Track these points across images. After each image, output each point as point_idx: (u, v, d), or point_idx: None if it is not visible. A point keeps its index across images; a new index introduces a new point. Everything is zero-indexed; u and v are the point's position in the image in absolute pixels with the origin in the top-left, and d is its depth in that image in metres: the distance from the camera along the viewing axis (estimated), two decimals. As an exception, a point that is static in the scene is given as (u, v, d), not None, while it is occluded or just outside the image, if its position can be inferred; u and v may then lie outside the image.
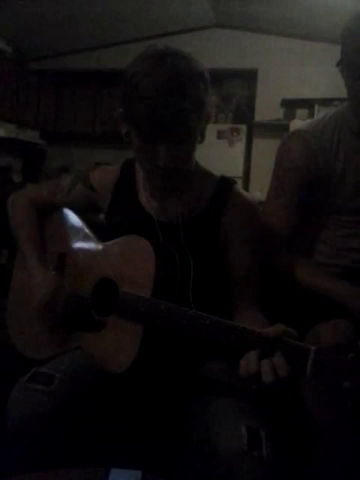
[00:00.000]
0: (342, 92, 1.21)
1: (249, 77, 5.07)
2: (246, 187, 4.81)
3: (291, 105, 4.68)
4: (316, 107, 4.49)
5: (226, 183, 1.12)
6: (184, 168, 1.03)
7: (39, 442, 0.91)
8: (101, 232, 1.19)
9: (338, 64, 1.16)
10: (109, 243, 1.09)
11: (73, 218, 1.24)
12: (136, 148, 1.00)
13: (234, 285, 1.09)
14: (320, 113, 4.29)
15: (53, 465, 0.90)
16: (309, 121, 1.35)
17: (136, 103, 0.92)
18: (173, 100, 0.89)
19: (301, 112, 4.58)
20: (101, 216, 1.24)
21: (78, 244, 1.18)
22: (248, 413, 0.92)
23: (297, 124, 4.18)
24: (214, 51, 4.69)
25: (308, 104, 4.56)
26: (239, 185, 1.14)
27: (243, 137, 4.84)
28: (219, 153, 4.34)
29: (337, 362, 0.72)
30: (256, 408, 0.95)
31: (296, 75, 4.69)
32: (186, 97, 0.91)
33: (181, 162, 1.00)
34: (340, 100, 3.79)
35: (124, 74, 0.96)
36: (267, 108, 4.83)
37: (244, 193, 1.13)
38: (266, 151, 4.20)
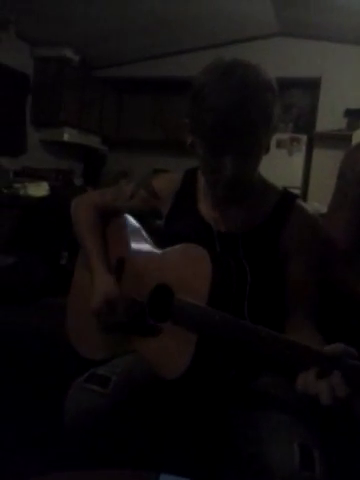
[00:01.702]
0: None
1: (311, 86, 4.98)
2: (304, 198, 4.71)
3: (355, 115, 4.53)
4: (381, 117, 4.34)
5: (289, 196, 1.10)
6: (248, 179, 1.02)
7: (92, 441, 0.94)
8: (159, 238, 1.21)
9: None
10: (167, 250, 1.11)
11: (133, 223, 1.27)
12: (201, 159, 1.01)
13: (291, 300, 1.07)
14: (385, 124, 4.19)
15: (104, 465, 0.92)
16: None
17: (204, 113, 0.92)
18: (242, 111, 0.89)
19: (365, 122, 4.44)
20: (159, 222, 1.26)
21: (136, 249, 1.20)
22: (301, 431, 0.90)
23: (360, 135, 4.06)
24: (277, 59, 4.63)
25: (372, 114, 4.41)
26: (300, 197, 1.13)
27: (303, 147, 4.76)
28: (278, 162, 4.29)
29: None
30: (309, 426, 0.92)
31: (360, 84, 4.55)
32: (255, 108, 0.90)
33: (246, 174, 1.00)
34: None
35: (192, 85, 0.97)
36: (329, 118, 4.71)
37: (307, 207, 1.11)
38: (327, 162, 4.10)
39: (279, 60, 4.68)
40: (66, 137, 4.72)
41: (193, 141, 1.02)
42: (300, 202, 1.11)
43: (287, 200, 1.10)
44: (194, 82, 0.96)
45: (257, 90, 0.91)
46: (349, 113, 4.60)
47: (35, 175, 4.26)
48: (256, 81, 0.92)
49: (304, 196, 4.79)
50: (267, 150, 1.03)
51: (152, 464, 1.02)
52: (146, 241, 1.21)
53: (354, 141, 4.06)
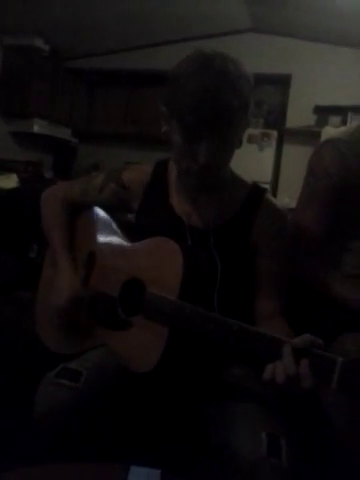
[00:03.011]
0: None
1: (282, 82, 5.04)
2: (274, 193, 4.78)
3: (324, 112, 4.62)
4: (349, 114, 4.42)
5: (258, 191, 1.12)
6: (221, 169, 1.04)
7: (62, 435, 0.94)
8: (130, 231, 1.20)
9: None
10: (138, 244, 1.11)
11: (103, 217, 1.26)
12: (176, 146, 1.01)
13: (260, 292, 1.10)
14: (353, 120, 4.28)
15: (75, 458, 0.92)
16: (342, 130, 1.34)
17: (183, 98, 0.94)
18: (220, 97, 0.91)
19: (334, 119, 4.52)
20: (130, 216, 1.25)
21: (107, 243, 1.19)
22: (268, 420, 0.92)
23: (329, 131, 4.13)
24: (248, 55, 4.60)
25: (341, 111, 4.49)
26: (268, 191, 1.15)
27: (273, 142, 4.81)
28: (249, 157, 4.32)
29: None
30: (276, 415, 0.95)
31: (330, 82, 4.62)
32: (233, 95, 0.93)
33: (219, 162, 1.01)
34: (374, 109, 3.76)
35: (170, 74, 0.98)
36: (299, 114, 4.78)
37: (276, 202, 1.13)
38: (296, 158, 4.17)
39: (250, 56, 4.67)
40: (36, 128, 4.63)
41: (168, 129, 1.03)
42: (269, 196, 1.13)
43: (256, 194, 1.11)
44: (173, 70, 0.98)
45: (236, 79, 0.93)
46: (318, 110, 4.68)
47: (4, 167, 4.17)
48: (235, 71, 0.94)
49: (274, 191, 4.85)
50: (240, 144, 1.05)
51: (123, 457, 1.03)
52: (117, 234, 1.21)
53: (323, 137, 4.12)
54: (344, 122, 4.44)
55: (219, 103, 0.92)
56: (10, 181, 3.72)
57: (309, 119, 4.72)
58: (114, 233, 1.21)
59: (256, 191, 1.12)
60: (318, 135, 4.19)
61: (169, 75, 0.99)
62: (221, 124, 0.94)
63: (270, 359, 0.81)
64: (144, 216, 1.18)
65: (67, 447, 0.96)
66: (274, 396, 1.00)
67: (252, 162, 4.41)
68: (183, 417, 1.06)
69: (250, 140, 4.69)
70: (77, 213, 1.27)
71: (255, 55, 4.75)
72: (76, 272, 1.16)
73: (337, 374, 0.73)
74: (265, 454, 0.84)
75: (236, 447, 0.86)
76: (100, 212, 1.26)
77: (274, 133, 4.82)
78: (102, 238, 1.21)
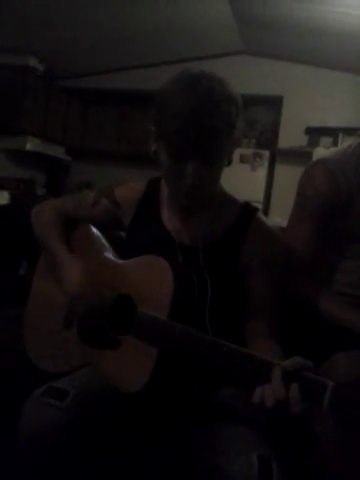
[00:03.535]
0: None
1: (274, 103, 5.12)
2: (266, 212, 4.81)
3: (315, 133, 4.69)
4: (340, 135, 4.49)
5: (249, 210, 1.12)
6: (209, 188, 1.04)
7: (49, 456, 0.91)
8: (121, 248, 1.20)
9: None
10: (129, 261, 1.10)
11: (94, 233, 1.25)
12: (164, 166, 1.02)
13: (251, 312, 1.09)
14: (344, 141, 4.34)
15: (61, 481, 0.90)
16: (333, 150, 1.36)
17: (170, 119, 0.94)
18: (206, 118, 0.92)
19: (325, 140, 4.59)
20: (121, 233, 1.25)
21: (98, 260, 1.18)
22: (260, 442, 0.90)
23: (321, 152, 4.19)
24: (240, 77, 4.72)
25: (332, 132, 4.56)
26: (260, 210, 1.15)
27: (265, 162, 4.86)
28: (241, 177, 4.36)
29: (354, 399, 0.70)
30: (267, 437, 0.93)
31: (321, 103, 4.71)
32: (218, 116, 0.93)
33: (207, 182, 1.01)
34: (365, 130, 3.81)
35: (158, 94, 0.99)
36: (291, 135, 4.85)
37: (267, 221, 1.13)
38: (288, 177, 4.20)
39: (243, 78, 4.78)
40: (29, 146, 4.65)
41: (157, 148, 1.03)
42: (260, 216, 1.13)
43: (247, 214, 1.11)
44: (161, 90, 0.99)
45: (221, 100, 0.94)
46: (309, 131, 4.75)
47: (-4, 184, 4.18)
48: (221, 92, 0.94)
49: (266, 210, 4.89)
50: (229, 162, 1.05)
51: (111, 479, 1.01)
52: (108, 251, 1.20)
53: (314, 157, 4.18)
54: (335, 143, 4.50)
55: (204, 125, 0.92)
56: (1, 198, 3.72)
57: (301, 140, 4.78)
58: (105, 249, 1.21)
59: (247, 210, 1.12)
60: (310, 156, 4.24)
61: (156, 95, 1.00)
62: (207, 145, 0.95)
63: (259, 381, 0.79)
64: (135, 232, 1.17)
65: (53, 468, 0.94)
66: (265, 418, 0.98)
67: (244, 182, 4.45)
68: (173, 439, 1.04)
69: (242, 160, 4.74)
70: (69, 228, 1.26)
71: (247, 77, 4.84)
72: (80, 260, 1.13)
73: (327, 398, 0.72)
74: (256, 477, 0.82)
75: (227, 470, 0.84)
76: (92, 228, 1.26)
77: (266, 153, 4.88)
78: (93, 254, 1.20)
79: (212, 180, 1.03)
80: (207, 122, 0.92)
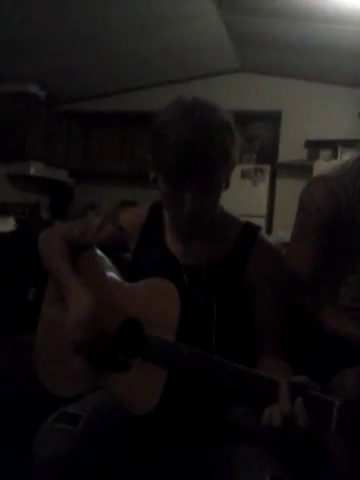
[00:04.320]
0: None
1: (273, 119, 5.17)
2: (269, 227, 4.82)
3: (315, 146, 4.73)
4: (340, 148, 4.53)
5: (251, 229, 1.14)
6: (209, 213, 1.06)
7: (63, 482, 0.92)
8: (127, 271, 1.21)
9: None
10: (135, 284, 1.11)
11: (101, 257, 1.27)
12: (163, 193, 1.04)
13: (257, 331, 1.09)
14: (344, 153, 4.37)
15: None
16: (332, 165, 1.37)
17: (164, 151, 0.96)
18: (199, 149, 0.93)
19: (325, 153, 4.62)
20: (127, 255, 1.27)
21: (105, 283, 1.20)
22: (272, 462, 0.90)
23: (321, 165, 4.22)
24: (239, 94, 4.82)
25: (332, 145, 4.60)
26: (263, 224, 1.16)
27: (267, 177, 4.89)
28: (243, 192, 4.38)
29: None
30: (280, 457, 0.93)
31: (320, 117, 4.76)
32: (212, 146, 0.94)
33: (206, 209, 1.03)
34: (364, 142, 3.84)
35: (152, 124, 1.01)
36: (291, 149, 4.88)
37: (269, 240, 1.14)
38: (290, 191, 4.22)
39: (241, 95, 4.87)
40: (32, 171, 4.71)
41: (155, 176, 1.05)
42: (262, 234, 1.14)
43: (249, 233, 1.13)
44: (155, 121, 1.00)
45: (214, 129, 0.95)
46: (309, 144, 4.79)
47: (1, 210, 4.22)
48: (213, 120, 0.96)
49: (269, 225, 4.90)
50: (227, 185, 1.06)
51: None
52: (114, 274, 1.21)
53: (315, 170, 4.21)
54: (335, 155, 4.54)
55: (198, 156, 0.94)
56: (7, 224, 3.75)
57: (301, 153, 4.82)
58: (111, 273, 1.22)
59: (249, 229, 1.13)
60: (310, 169, 4.27)
61: (151, 124, 1.01)
62: (203, 174, 0.96)
63: (267, 400, 0.80)
64: (140, 256, 1.19)
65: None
66: (277, 437, 0.98)
67: (246, 197, 4.48)
68: (185, 460, 1.04)
69: (244, 175, 4.77)
70: (75, 253, 1.28)
71: (245, 94, 4.91)
72: (88, 289, 1.14)
73: (335, 416, 0.71)
74: (270, 498, 0.82)
75: (240, 490, 0.84)
76: (98, 252, 1.27)
77: (267, 168, 4.91)
78: (99, 278, 1.22)
79: (211, 205, 1.05)
80: (201, 153, 0.94)
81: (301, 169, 4.55)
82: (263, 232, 1.15)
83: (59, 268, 1.22)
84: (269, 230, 4.56)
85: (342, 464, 1.01)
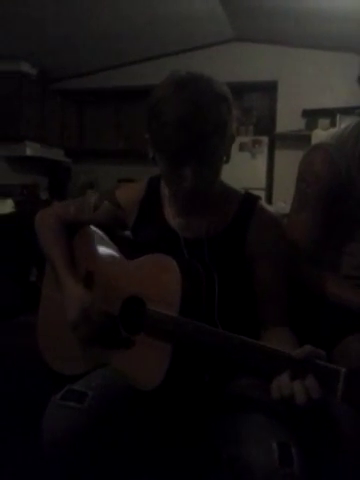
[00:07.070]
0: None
1: (269, 89, 5.09)
2: (269, 198, 4.80)
3: (312, 115, 4.66)
4: (338, 116, 4.46)
5: (250, 199, 1.13)
6: (209, 187, 1.04)
7: (72, 459, 0.93)
8: (126, 248, 1.21)
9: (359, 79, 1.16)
10: (136, 261, 1.11)
11: (100, 235, 1.27)
12: (163, 170, 1.03)
13: (261, 302, 1.10)
14: (342, 121, 4.31)
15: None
16: (331, 132, 1.35)
17: (160, 129, 0.95)
18: (195, 123, 0.91)
19: (323, 122, 4.56)
20: (127, 232, 1.26)
21: (105, 262, 1.20)
22: (278, 429, 0.91)
23: (319, 134, 4.17)
24: (233, 65, 4.73)
25: (329, 114, 4.54)
26: (262, 197, 1.15)
27: (265, 149, 4.85)
28: (241, 165, 4.35)
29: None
30: (286, 424, 0.94)
31: (316, 85, 4.68)
32: (208, 119, 0.92)
33: (206, 184, 1.01)
34: (362, 109, 3.79)
35: (148, 101, 0.99)
36: (288, 119, 4.83)
37: (269, 208, 1.13)
38: (288, 162, 4.19)
39: (236, 65, 4.78)
40: (28, 151, 4.66)
41: (154, 153, 1.04)
42: (262, 204, 1.13)
43: (249, 203, 1.12)
44: (150, 98, 0.99)
45: (209, 102, 0.93)
46: (306, 114, 4.73)
47: (0, 192, 4.20)
48: (208, 93, 0.94)
49: (269, 196, 4.88)
50: (227, 159, 1.05)
51: (133, 474, 1.03)
52: (114, 252, 1.21)
53: (313, 140, 4.17)
54: (333, 124, 4.48)
55: (194, 130, 0.92)
56: (6, 206, 3.74)
57: (298, 123, 4.76)
58: (111, 251, 1.22)
59: (248, 200, 1.12)
60: (308, 138, 4.23)
61: (147, 103, 0.99)
62: (201, 149, 0.95)
63: (273, 371, 0.80)
64: (140, 231, 1.19)
65: (77, 470, 0.96)
66: (284, 405, 0.99)
67: (245, 170, 4.45)
68: (192, 432, 1.06)
69: (242, 148, 4.73)
70: (73, 232, 1.28)
71: (240, 64, 4.82)
72: (81, 285, 1.15)
73: (341, 385, 0.72)
74: (277, 464, 0.83)
75: (248, 459, 0.85)
76: (96, 230, 1.27)
77: (265, 139, 4.86)
78: (100, 256, 1.22)
79: (211, 179, 1.03)
80: (197, 127, 0.92)
81: (299, 139, 4.51)
82: (263, 201, 1.14)
83: (53, 257, 1.22)
84: (269, 202, 4.54)
85: (348, 428, 1.02)
